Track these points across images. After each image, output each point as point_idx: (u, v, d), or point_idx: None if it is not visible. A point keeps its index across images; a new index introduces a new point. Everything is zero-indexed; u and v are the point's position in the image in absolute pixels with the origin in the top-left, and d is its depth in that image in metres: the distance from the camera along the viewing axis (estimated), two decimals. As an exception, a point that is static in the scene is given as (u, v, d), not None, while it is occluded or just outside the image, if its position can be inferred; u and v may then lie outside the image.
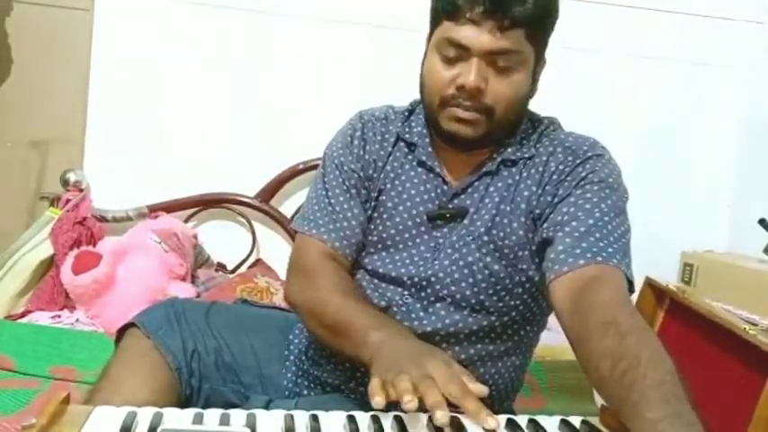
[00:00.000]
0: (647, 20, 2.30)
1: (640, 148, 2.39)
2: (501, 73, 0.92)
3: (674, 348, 0.81)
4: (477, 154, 1.00)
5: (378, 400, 0.70)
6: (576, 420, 0.75)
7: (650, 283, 0.95)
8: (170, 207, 2.11)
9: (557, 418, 0.75)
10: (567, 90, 2.30)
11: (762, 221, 1.92)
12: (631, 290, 0.87)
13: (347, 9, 2.17)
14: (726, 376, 0.80)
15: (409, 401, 0.68)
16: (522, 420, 0.74)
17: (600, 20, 2.29)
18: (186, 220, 2.13)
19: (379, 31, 2.14)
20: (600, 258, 0.85)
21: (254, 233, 2.18)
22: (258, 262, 2.17)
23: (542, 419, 0.75)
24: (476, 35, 0.89)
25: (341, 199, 1.03)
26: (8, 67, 2.18)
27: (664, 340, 0.95)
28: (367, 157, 1.04)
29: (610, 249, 0.87)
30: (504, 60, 0.91)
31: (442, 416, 0.66)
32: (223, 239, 2.19)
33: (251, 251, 2.18)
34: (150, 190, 2.12)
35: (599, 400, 0.77)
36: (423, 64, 1.00)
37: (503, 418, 0.74)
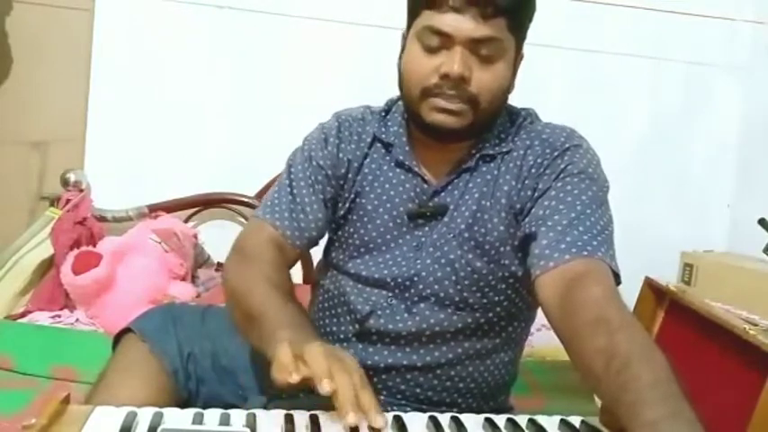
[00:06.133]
0: (647, 20, 2.30)
1: (640, 148, 2.39)
2: (484, 62, 0.91)
3: (674, 348, 0.81)
4: (456, 149, 0.99)
5: (295, 378, 0.67)
6: (575, 420, 0.75)
7: (650, 283, 0.95)
8: (170, 207, 2.11)
9: (557, 418, 0.75)
10: (568, 90, 2.31)
11: (762, 221, 1.92)
12: (618, 281, 0.86)
13: (348, 9, 2.17)
14: (726, 376, 0.80)
15: (327, 385, 0.66)
16: (522, 420, 0.74)
17: (600, 20, 2.29)
18: (186, 220, 2.13)
19: (380, 32, 2.14)
20: (585, 252, 0.85)
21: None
22: (258, 262, 2.17)
23: (542, 419, 0.75)
24: (459, 22, 0.88)
25: (303, 191, 1.02)
26: (8, 67, 2.18)
27: (664, 340, 0.95)
28: (341, 156, 1.03)
29: (594, 242, 0.86)
30: (487, 49, 0.90)
31: (353, 418, 0.65)
32: (223, 239, 2.17)
33: (251, 251, 2.18)
34: (150, 190, 2.12)
35: (599, 400, 0.77)
36: (400, 58, 0.98)
37: (502, 417, 0.75)
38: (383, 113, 1.06)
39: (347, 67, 2.19)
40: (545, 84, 2.20)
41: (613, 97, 2.37)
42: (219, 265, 2.17)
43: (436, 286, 0.97)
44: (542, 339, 1.66)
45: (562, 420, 0.74)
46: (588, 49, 2.30)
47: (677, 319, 0.92)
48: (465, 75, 0.89)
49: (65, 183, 2.03)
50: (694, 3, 2.29)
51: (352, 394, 0.67)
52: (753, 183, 2.35)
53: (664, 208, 2.41)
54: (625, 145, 2.35)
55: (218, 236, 2.18)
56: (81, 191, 2.02)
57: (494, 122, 0.99)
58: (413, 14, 0.95)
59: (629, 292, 0.97)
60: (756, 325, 0.74)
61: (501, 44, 0.91)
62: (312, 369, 0.68)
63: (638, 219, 2.30)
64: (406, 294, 0.99)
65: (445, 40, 0.90)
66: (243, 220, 2.20)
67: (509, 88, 0.98)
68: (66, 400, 0.70)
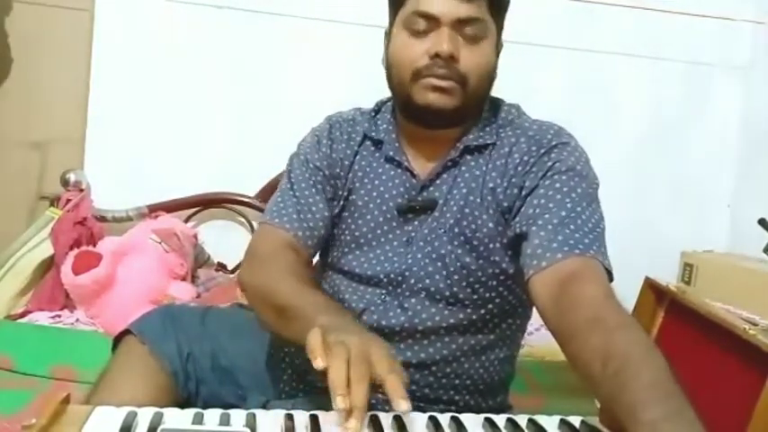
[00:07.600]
0: (647, 20, 2.30)
1: (640, 148, 2.39)
2: (470, 42, 0.94)
3: (674, 348, 0.81)
4: (443, 141, 1.00)
5: (319, 363, 0.67)
6: (575, 420, 0.75)
7: (650, 283, 0.95)
8: (170, 207, 2.11)
9: (556, 418, 0.75)
10: (568, 90, 2.31)
11: (762, 221, 1.92)
12: (610, 278, 0.86)
13: (348, 9, 2.17)
14: (726, 376, 0.80)
15: (341, 402, 0.64)
16: (522, 420, 0.74)
17: (600, 20, 2.29)
18: (186, 220, 2.13)
19: (379, 32, 2.14)
20: (578, 250, 0.85)
21: (254, 233, 2.18)
22: (258, 262, 2.17)
23: (542, 419, 0.75)
24: (445, 4, 0.93)
25: (306, 192, 1.04)
26: (8, 67, 2.18)
27: (664, 340, 0.95)
28: (334, 155, 1.05)
29: (586, 240, 0.86)
30: (472, 28, 0.94)
31: (354, 425, 0.63)
32: (223, 239, 2.19)
33: (251, 251, 2.18)
34: (150, 190, 2.13)
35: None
36: (387, 50, 1.02)
37: (501, 417, 0.75)
38: (373, 113, 1.09)
39: (347, 67, 2.19)
40: (544, 84, 2.21)
41: (613, 97, 2.37)
42: (219, 265, 2.17)
43: (427, 281, 0.98)
44: (541, 339, 1.65)
45: (562, 420, 0.74)
46: (587, 48, 2.30)
47: (677, 318, 0.92)
48: (454, 53, 0.93)
49: (65, 183, 2.03)
50: (694, 2, 2.30)
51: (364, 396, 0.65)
52: (753, 183, 2.35)
53: (663, 208, 2.41)
54: (625, 145, 2.36)
55: (218, 236, 2.19)
56: (81, 191, 2.02)
57: (480, 108, 1.01)
58: (397, 6, 0.99)
59: (629, 292, 0.97)
60: (756, 325, 0.75)
61: (485, 25, 0.95)
62: (331, 376, 0.67)
63: (638, 219, 2.30)
64: (398, 290, 0.99)
65: (432, 24, 0.94)
66: (243, 220, 2.20)
67: (494, 73, 1.00)
68: (67, 400, 0.70)
